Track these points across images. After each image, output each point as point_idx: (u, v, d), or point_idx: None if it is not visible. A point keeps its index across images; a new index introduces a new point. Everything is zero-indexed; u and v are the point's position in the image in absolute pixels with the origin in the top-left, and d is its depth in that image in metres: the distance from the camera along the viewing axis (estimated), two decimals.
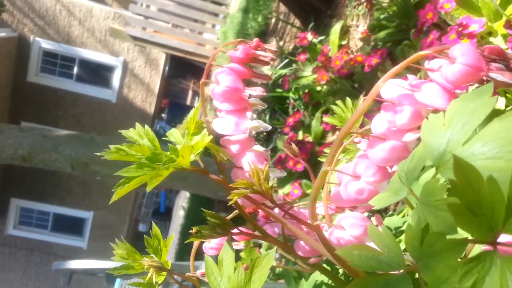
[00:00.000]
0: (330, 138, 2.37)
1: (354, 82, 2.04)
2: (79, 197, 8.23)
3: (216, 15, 6.21)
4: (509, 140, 0.29)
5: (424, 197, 0.31)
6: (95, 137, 3.35)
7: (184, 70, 7.79)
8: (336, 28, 2.35)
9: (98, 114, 7.89)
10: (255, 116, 0.49)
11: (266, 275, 0.40)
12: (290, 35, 3.39)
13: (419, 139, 0.38)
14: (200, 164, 0.47)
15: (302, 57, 2.33)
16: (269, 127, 0.48)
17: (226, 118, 0.47)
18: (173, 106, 8.45)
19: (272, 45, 0.43)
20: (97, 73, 7.83)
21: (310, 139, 2.39)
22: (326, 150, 0.67)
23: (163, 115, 8.59)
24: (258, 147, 0.50)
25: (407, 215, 0.66)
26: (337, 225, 0.41)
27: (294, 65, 2.48)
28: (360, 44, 2.21)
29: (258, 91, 0.46)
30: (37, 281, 8.37)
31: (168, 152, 0.45)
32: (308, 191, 2.03)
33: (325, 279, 0.64)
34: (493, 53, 0.33)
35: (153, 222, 0.59)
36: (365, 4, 1.99)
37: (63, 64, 7.75)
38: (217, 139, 0.49)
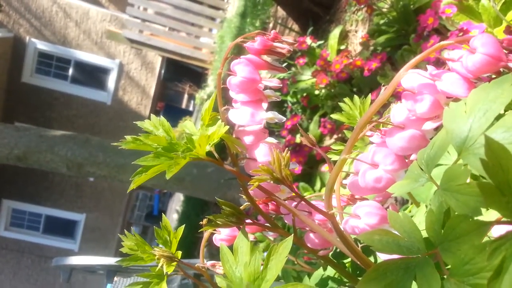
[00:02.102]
0: (327, 141, 2.38)
1: (353, 86, 2.06)
2: (71, 199, 8.18)
3: (213, 19, 6.23)
4: None
5: (445, 183, 0.32)
6: (91, 137, 3.34)
7: (180, 74, 7.79)
8: (335, 33, 2.37)
9: (92, 116, 7.86)
10: None
11: (283, 263, 0.40)
12: None
13: (436, 130, 0.39)
14: (215, 155, 0.48)
15: (301, 61, 2.35)
16: (284, 119, 0.49)
17: (242, 109, 0.47)
18: (168, 109, 8.44)
19: (289, 37, 0.44)
20: (92, 75, 7.81)
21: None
22: (335, 146, 0.67)
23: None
24: (271, 139, 0.51)
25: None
26: (353, 214, 0.42)
27: (292, 69, 2.49)
28: (358, 49, 2.23)
29: (274, 82, 0.47)
30: (28, 283, 8.28)
31: (184, 142, 0.45)
32: (305, 194, 2.04)
33: (330, 274, 0.65)
34: (511, 44, 0.34)
35: (164, 214, 0.59)
36: (365, 9, 2.02)
37: (58, 66, 7.72)
38: (230, 133, 0.50)
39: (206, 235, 0.56)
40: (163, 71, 7.91)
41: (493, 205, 0.26)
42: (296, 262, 0.90)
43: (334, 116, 0.74)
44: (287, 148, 0.37)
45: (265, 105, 0.48)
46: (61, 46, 7.52)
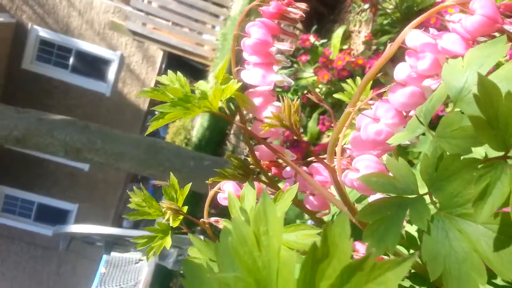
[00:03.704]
0: (325, 139, 2.42)
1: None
2: (65, 188, 8.17)
3: (217, 16, 6.27)
4: None
5: (441, 130, 0.35)
6: (90, 124, 3.36)
7: (181, 69, 7.78)
8: (338, 33, 2.41)
9: (91, 106, 7.86)
10: None
11: (288, 206, 0.43)
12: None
13: (433, 89, 0.42)
14: (226, 111, 0.51)
15: (304, 58, 2.39)
16: (292, 83, 0.52)
17: (253, 70, 0.50)
18: None
19: (303, 4, 0.47)
20: (93, 66, 7.81)
21: (305, 139, 2.44)
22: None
23: (156, 112, 8.57)
24: (279, 104, 0.54)
25: None
26: (352, 167, 0.45)
27: (295, 66, 2.53)
28: (361, 49, 2.27)
29: (286, 46, 0.50)
30: (16, 270, 8.26)
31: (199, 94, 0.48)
32: None
33: None
34: (507, 10, 0.38)
35: (172, 173, 0.62)
36: (369, 10, 2.06)
37: (59, 54, 7.72)
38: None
39: (211, 193, 0.59)
40: (164, 66, 7.92)
41: (483, 137, 0.29)
42: None
43: (337, 95, 0.77)
44: (297, 97, 0.40)
45: (275, 68, 0.51)
46: (63, 34, 7.52)
